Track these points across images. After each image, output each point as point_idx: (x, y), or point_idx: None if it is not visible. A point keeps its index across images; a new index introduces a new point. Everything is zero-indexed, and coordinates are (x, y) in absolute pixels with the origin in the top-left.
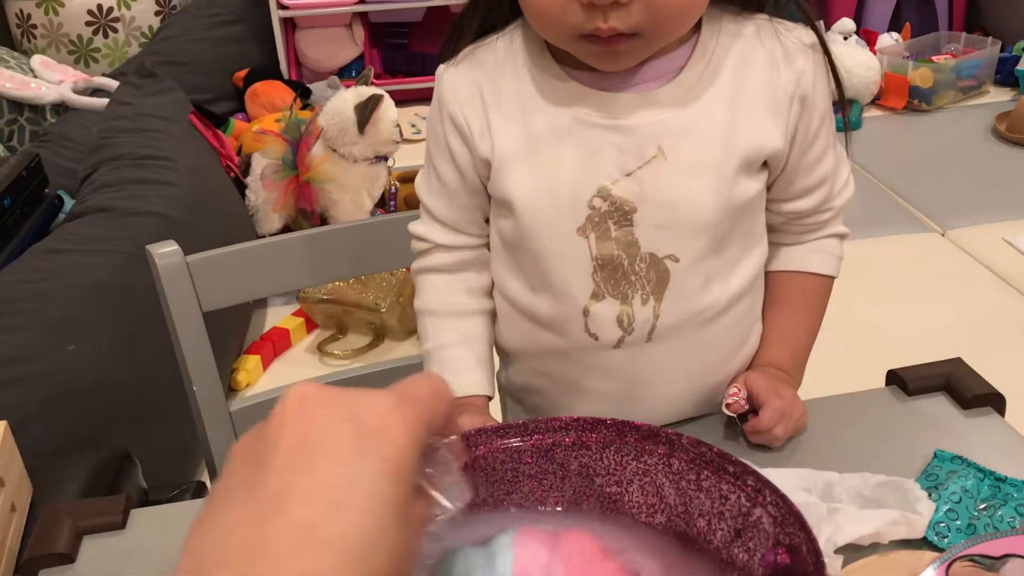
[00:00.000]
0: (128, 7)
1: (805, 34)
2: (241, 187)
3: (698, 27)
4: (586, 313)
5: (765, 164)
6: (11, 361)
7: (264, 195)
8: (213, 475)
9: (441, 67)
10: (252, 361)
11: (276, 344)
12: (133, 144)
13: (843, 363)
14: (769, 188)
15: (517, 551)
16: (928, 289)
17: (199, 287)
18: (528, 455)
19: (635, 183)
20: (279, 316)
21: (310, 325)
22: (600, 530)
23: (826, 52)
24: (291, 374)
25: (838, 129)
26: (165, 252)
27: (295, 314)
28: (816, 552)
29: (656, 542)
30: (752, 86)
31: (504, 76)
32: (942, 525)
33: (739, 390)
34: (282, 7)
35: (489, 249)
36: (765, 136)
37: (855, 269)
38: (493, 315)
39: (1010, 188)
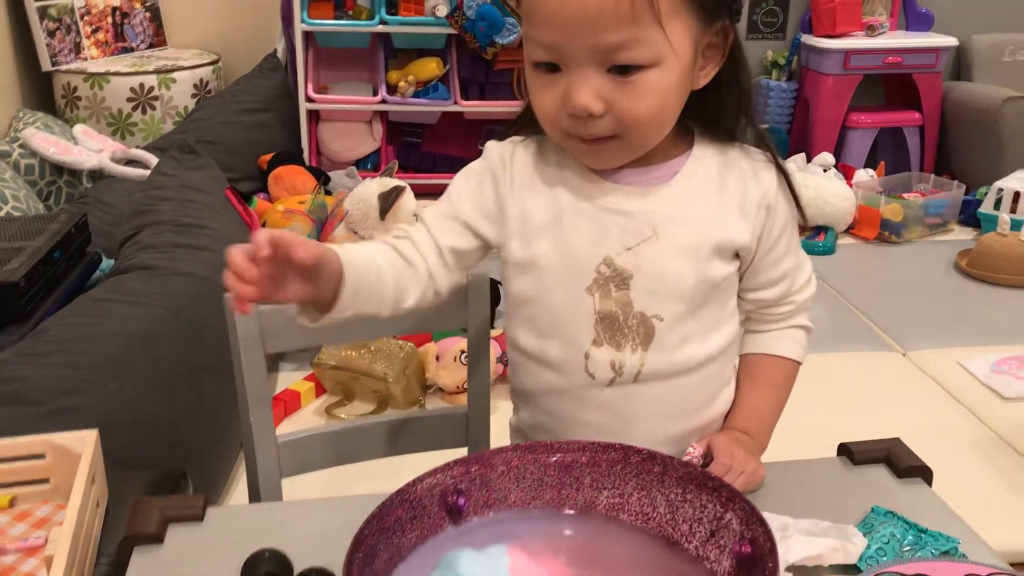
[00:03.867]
0: (168, 88)
1: (761, 154)
2: None
3: (691, 144)
4: (587, 356)
5: (737, 255)
6: (61, 394)
7: None
8: (256, 497)
9: (491, 143)
10: None
11: (287, 404)
12: (173, 212)
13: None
14: (741, 278)
15: (511, 555)
16: (887, 402)
17: (264, 331)
18: (552, 468)
19: (633, 256)
20: (291, 379)
21: (319, 389)
22: (604, 531)
23: (784, 174)
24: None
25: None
26: None
27: (306, 378)
28: (771, 541)
29: (647, 542)
30: (729, 193)
31: (541, 165)
32: (871, 559)
33: (694, 449)
34: (309, 100)
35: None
36: (735, 231)
37: (822, 378)
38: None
39: (967, 317)
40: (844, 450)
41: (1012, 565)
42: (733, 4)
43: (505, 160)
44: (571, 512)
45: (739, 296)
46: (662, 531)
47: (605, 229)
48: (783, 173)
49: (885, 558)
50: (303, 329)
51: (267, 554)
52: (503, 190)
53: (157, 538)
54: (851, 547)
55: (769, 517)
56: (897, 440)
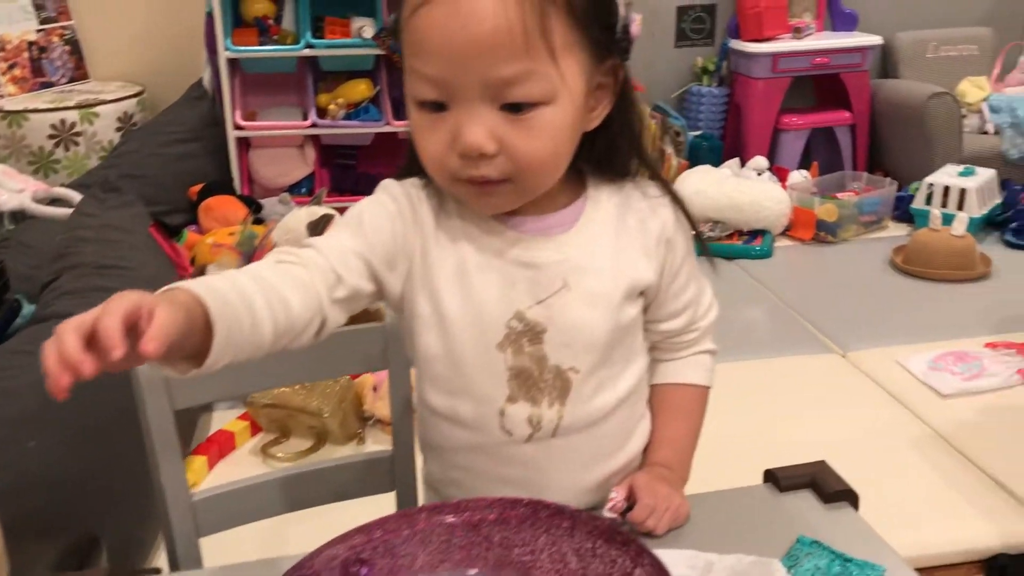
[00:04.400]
0: (91, 122)
1: (657, 189)
2: None
3: (584, 186)
4: (502, 414)
5: (642, 293)
6: None
7: None
8: (174, 562)
9: (391, 182)
10: (198, 462)
11: (221, 446)
12: (95, 254)
13: (741, 464)
14: (646, 311)
15: None
16: (827, 404)
17: (172, 387)
18: (459, 529)
19: (545, 309)
20: (225, 419)
21: (255, 428)
22: None
23: (680, 205)
24: (235, 474)
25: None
26: None
27: (240, 417)
28: None
29: None
30: (630, 233)
31: (442, 215)
32: None
33: (616, 493)
34: (238, 127)
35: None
36: (641, 272)
37: (761, 384)
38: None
39: (904, 315)
40: (770, 476)
41: (953, 566)
42: (623, 42)
43: (414, 205)
44: (481, 572)
45: (644, 328)
46: None
47: (513, 282)
48: (679, 205)
49: None
50: (216, 380)
51: None
52: (413, 239)
53: None
54: None
55: (691, 556)
56: (823, 464)
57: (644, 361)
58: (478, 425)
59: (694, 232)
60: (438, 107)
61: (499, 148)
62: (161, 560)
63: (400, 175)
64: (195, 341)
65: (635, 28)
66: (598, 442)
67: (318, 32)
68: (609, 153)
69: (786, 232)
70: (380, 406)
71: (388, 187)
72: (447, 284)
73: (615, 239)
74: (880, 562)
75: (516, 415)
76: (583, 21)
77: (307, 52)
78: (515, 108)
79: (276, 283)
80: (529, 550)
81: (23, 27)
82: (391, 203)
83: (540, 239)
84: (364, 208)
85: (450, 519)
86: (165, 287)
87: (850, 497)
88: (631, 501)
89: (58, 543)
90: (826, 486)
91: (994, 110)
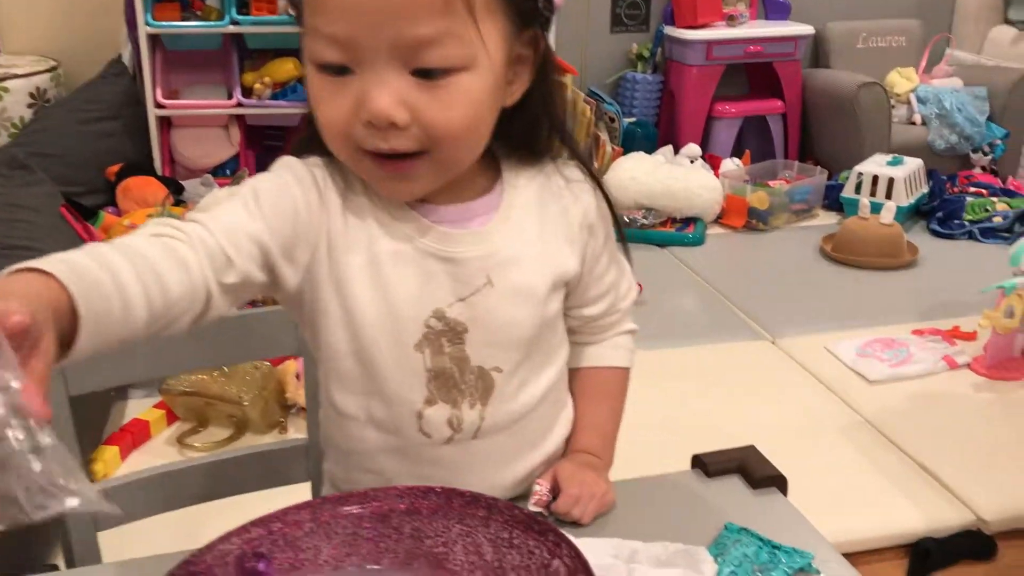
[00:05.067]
0: (1, 97)
1: (578, 173)
2: None
3: (499, 171)
4: (419, 416)
5: (566, 283)
6: None
7: None
8: (70, 559)
9: (292, 159)
10: (110, 452)
11: (135, 436)
12: (1, 234)
13: (670, 450)
14: (566, 299)
15: None
16: (757, 391)
17: (66, 371)
18: (367, 520)
19: (468, 308)
20: (140, 408)
21: (171, 417)
22: None
23: (601, 188)
24: (149, 464)
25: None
26: None
27: (156, 406)
28: None
29: None
30: (552, 221)
31: (350, 196)
32: None
33: (541, 486)
34: (159, 106)
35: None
36: (566, 261)
37: (691, 370)
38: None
39: (833, 302)
40: (698, 462)
41: (880, 550)
42: (545, 11)
43: (319, 187)
44: (391, 565)
45: (564, 314)
46: None
47: (432, 277)
48: (600, 188)
49: None
50: (116, 364)
51: None
52: (318, 227)
53: None
54: (701, 575)
55: (616, 544)
56: (751, 448)
57: (566, 350)
58: (393, 428)
59: (613, 217)
60: (341, 71)
61: (411, 118)
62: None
63: (297, 150)
64: (60, 328)
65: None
66: (521, 438)
67: (244, 8)
68: (528, 131)
69: (718, 220)
70: (303, 394)
71: (289, 165)
72: (357, 277)
73: (538, 228)
74: (809, 549)
75: (435, 417)
76: None
77: (232, 29)
78: (428, 74)
79: (153, 260)
80: (442, 541)
81: None
82: (294, 184)
83: (459, 230)
84: (261, 186)
85: (356, 510)
86: (16, 266)
87: (779, 482)
88: (555, 492)
89: None
90: (754, 471)
91: (921, 101)
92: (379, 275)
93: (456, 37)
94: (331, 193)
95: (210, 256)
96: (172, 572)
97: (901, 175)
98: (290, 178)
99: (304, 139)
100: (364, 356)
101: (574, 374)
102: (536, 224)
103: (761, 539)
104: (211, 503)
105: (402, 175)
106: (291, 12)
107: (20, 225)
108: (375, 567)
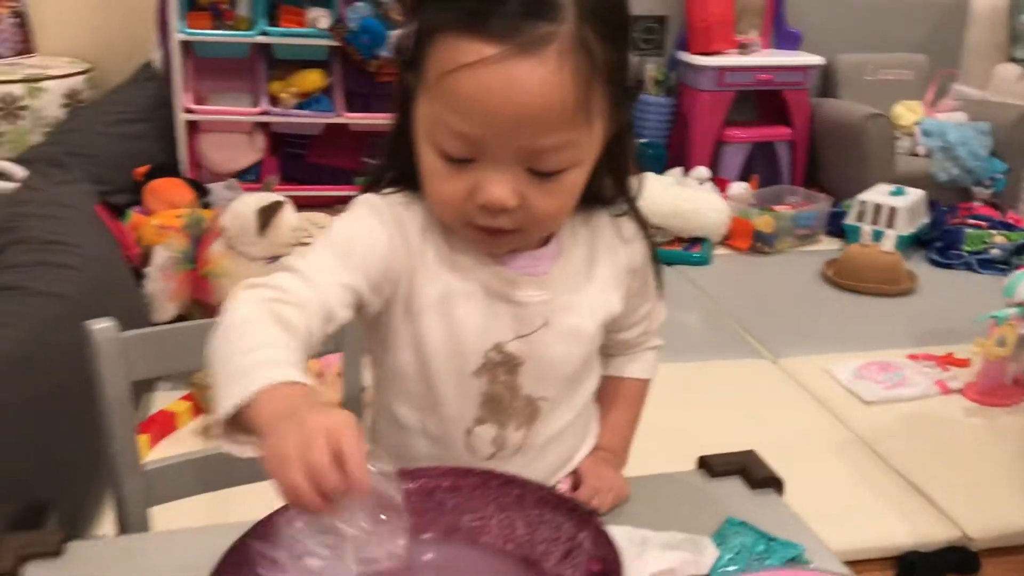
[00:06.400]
0: (36, 97)
1: (632, 224)
2: (138, 275)
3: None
4: (469, 433)
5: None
6: None
7: (162, 285)
8: (125, 527)
9: (374, 198)
10: (141, 439)
11: (163, 426)
12: (40, 229)
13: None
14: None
15: None
16: (757, 408)
17: (129, 358)
18: (415, 495)
19: (525, 344)
20: (168, 400)
21: (197, 410)
22: (465, 555)
23: (647, 236)
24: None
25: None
26: (102, 328)
27: (183, 398)
28: (619, 561)
29: (507, 563)
30: (601, 267)
31: (429, 235)
32: (723, 569)
33: (563, 485)
34: (187, 111)
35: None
36: (613, 304)
37: (695, 385)
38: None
39: (833, 325)
40: (703, 463)
41: (868, 561)
42: (636, 91)
43: (403, 229)
44: (434, 537)
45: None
46: (521, 552)
47: (496, 316)
48: (647, 237)
49: (736, 568)
50: (170, 355)
51: None
52: (402, 266)
53: None
54: (703, 560)
55: (629, 531)
56: (752, 452)
57: (597, 374)
58: (443, 441)
59: (654, 257)
60: (463, 161)
61: (519, 204)
62: (108, 528)
63: (373, 177)
64: None
65: (646, 78)
66: (555, 456)
67: (273, 19)
68: (594, 186)
69: (724, 241)
70: (324, 391)
71: (372, 205)
72: (430, 309)
73: (591, 275)
74: (800, 543)
75: (483, 435)
76: (615, 84)
77: (261, 39)
78: (542, 173)
79: (301, 337)
80: (479, 516)
81: None
82: (381, 229)
83: (524, 276)
84: (353, 233)
85: (407, 485)
86: (282, 379)
87: (776, 484)
88: (576, 484)
89: (6, 510)
90: (754, 473)
91: (926, 134)
92: (450, 309)
93: (573, 144)
94: (413, 232)
95: (317, 316)
96: (247, 532)
97: (903, 205)
98: (375, 222)
99: (381, 167)
100: (427, 378)
101: (603, 381)
102: (589, 271)
103: (758, 532)
104: (244, 486)
105: (498, 241)
106: (318, 26)
107: (60, 222)
108: (425, 536)
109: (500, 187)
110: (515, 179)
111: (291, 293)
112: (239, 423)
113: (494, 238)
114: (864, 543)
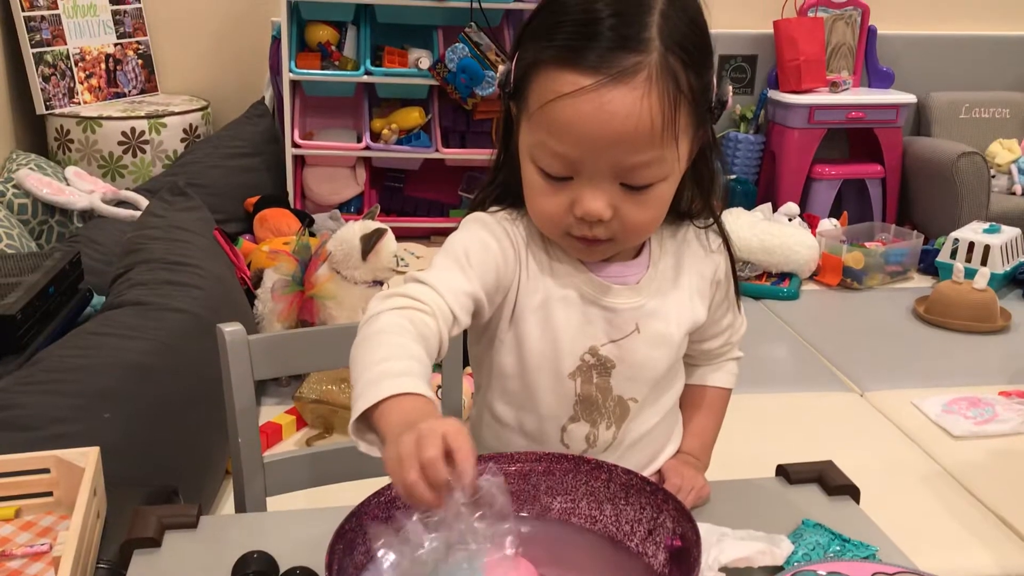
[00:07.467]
0: (158, 132)
1: (716, 237)
2: (250, 297)
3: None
4: (563, 430)
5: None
6: (56, 421)
7: (271, 306)
8: (244, 510)
9: (486, 216)
10: None
11: (269, 436)
12: (164, 250)
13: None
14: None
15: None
16: (843, 439)
17: (254, 359)
18: (512, 477)
19: (617, 348)
20: (273, 413)
21: (300, 423)
22: (558, 534)
23: (730, 251)
24: None
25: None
26: (232, 330)
27: (288, 412)
28: (697, 535)
29: (595, 541)
30: (688, 277)
31: (534, 248)
32: (797, 563)
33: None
34: (295, 145)
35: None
36: (698, 313)
37: (781, 415)
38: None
39: (922, 361)
40: (781, 471)
41: None
42: (719, 110)
43: (513, 243)
44: (530, 516)
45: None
46: (607, 531)
47: (591, 321)
48: (730, 252)
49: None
50: (286, 358)
51: (255, 555)
52: (512, 277)
53: (155, 542)
54: (778, 551)
55: (710, 527)
56: (830, 462)
57: (683, 378)
58: (540, 437)
59: (734, 273)
60: (562, 179)
61: (613, 215)
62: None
63: (481, 195)
64: None
65: (729, 99)
66: (642, 454)
67: (377, 60)
68: (681, 201)
69: (813, 277)
70: (439, 403)
71: (483, 222)
72: (532, 316)
73: (678, 284)
74: (875, 545)
75: (576, 432)
76: (700, 104)
77: (365, 78)
78: (634, 187)
79: (421, 342)
80: (571, 498)
81: (102, 40)
82: (494, 243)
83: (618, 285)
84: (469, 246)
85: (505, 467)
86: (402, 390)
87: (852, 491)
88: (660, 483)
89: (138, 493)
90: (831, 480)
91: (1023, 172)
92: (549, 315)
93: (661, 160)
94: (519, 244)
95: (445, 320)
96: (368, 498)
97: (997, 242)
98: (487, 235)
99: (486, 186)
100: (527, 378)
101: (687, 389)
102: (676, 280)
103: (833, 532)
104: (351, 482)
105: (593, 249)
106: (420, 66)
107: (181, 245)
108: (523, 515)
109: (596, 200)
110: (609, 193)
111: (422, 302)
112: (368, 424)
113: (590, 247)
114: (946, 570)
